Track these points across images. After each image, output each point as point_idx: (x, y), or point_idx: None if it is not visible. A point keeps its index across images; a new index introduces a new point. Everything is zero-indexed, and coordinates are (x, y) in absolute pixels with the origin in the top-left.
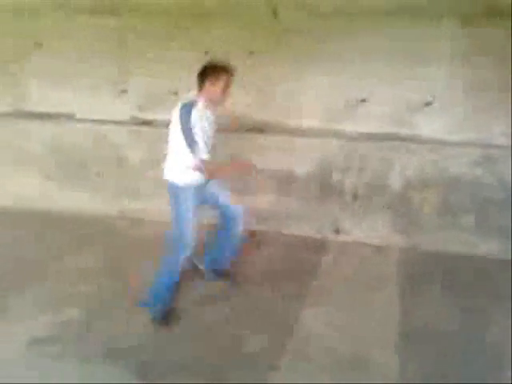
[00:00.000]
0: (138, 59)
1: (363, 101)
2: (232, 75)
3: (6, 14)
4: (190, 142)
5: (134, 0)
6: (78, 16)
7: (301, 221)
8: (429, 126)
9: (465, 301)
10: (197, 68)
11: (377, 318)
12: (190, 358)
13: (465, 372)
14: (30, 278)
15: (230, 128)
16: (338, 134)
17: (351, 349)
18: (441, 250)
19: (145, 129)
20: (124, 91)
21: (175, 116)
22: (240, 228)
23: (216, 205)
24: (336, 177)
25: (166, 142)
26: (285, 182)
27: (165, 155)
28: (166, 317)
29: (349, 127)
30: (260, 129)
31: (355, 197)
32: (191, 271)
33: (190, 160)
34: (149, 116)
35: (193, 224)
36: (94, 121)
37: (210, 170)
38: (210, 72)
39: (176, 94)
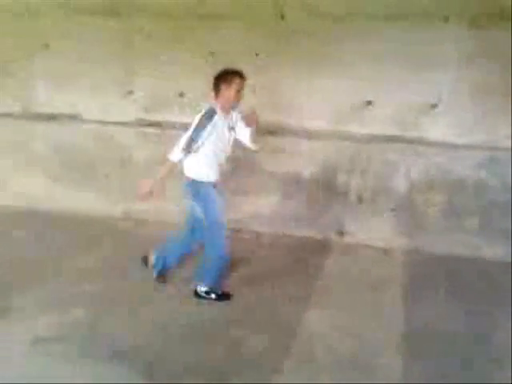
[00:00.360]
0: (144, 61)
1: (369, 103)
2: (244, 79)
3: (13, 15)
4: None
5: (141, 2)
6: (85, 18)
7: (305, 222)
8: (434, 129)
9: (468, 303)
10: (203, 70)
11: (380, 320)
12: (195, 359)
13: (468, 374)
14: (35, 278)
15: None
16: (343, 136)
17: (355, 350)
18: (445, 252)
19: (151, 130)
20: (130, 92)
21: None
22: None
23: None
24: (341, 179)
25: (172, 143)
26: (290, 183)
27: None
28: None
29: (354, 129)
30: (265, 131)
31: (360, 199)
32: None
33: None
34: (155, 117)
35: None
36: (99, 122)
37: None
38: (224, 77)
39: (182, 95)
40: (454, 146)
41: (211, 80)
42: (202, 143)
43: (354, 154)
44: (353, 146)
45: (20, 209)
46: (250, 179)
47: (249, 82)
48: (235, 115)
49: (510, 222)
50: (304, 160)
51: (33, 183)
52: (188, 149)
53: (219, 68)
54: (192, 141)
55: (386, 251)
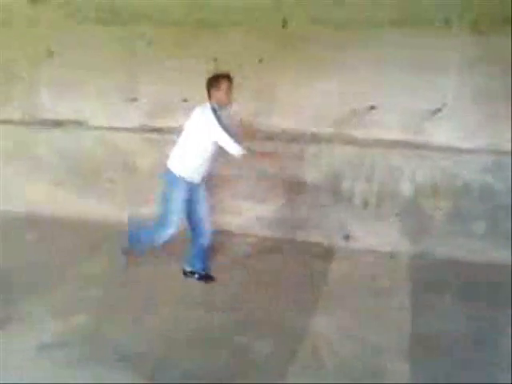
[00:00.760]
0: (147, 67)
1: (373, 108)
2: (231, 81)
3: (19, 23)
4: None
5: (144, 9)
6: (89, 25)
7: (311, 228)
8: (439, 133)
9: (474, 307)
10: (206, 76)
11: (386, 325)
12: (200, 364)
13: (473, 379)
14: (40, 284)
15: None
16: (347, 141)
17: (360, 355)
18: (451, 256)
19: (155, 136)
20: (134, 99)
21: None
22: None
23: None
24: (346, 183)
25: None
26: (295, 188)
27: None
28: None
29: (359, 134)
30: (269, 136)
31: (365, 204)
32: None
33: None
34: (159, 123)
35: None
36: (104, 128)
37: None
38: (213, 80)
39: (186, 101)
40: (459, 150)
41: None
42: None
43: (359, 159)
44: (357, 151)
45: (24, 214)
46: (254, 184)
47: (252, 87)
48: (225, 117)
49: None
50: (308, 165)
51: (37, 189)
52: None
53: None
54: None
55: (391, 256)
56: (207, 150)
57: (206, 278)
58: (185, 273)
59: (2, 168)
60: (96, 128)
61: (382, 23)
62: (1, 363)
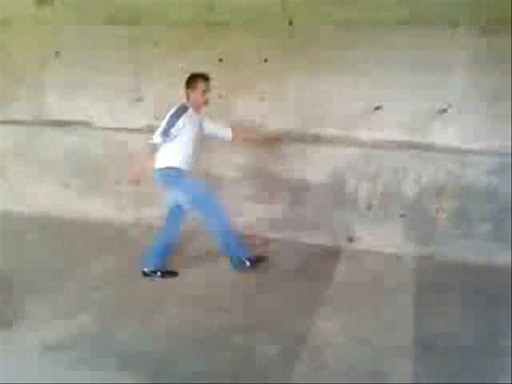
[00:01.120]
0: (153, 68)
1: (378, 109)
2: (208, 81)
3: (26, 24)
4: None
5: (150, 10)
6: (95, 26)
7: (315, 229)
8: (444, 135)
9: (480, 309)
10: (212, 76)
11: (391, 327)
12: (205, 366)
13: (475, 380)
14: (46, 285)
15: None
16: (352, 142)
17: (365, 357)
18: (456, 258)
19: None
20: (140, 100)
21: None
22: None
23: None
24: (351, 185)
25: None
26: (299, 190)
27: None
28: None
29: (364, 135)
30: (274, 137)
31: (370, 205)
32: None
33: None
34: None
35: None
36: (110, 129)
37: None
38: (190, 81)
39: None
40: (464, 152)
41: (219, 86)
42: (177, 133)
43: (363, 160)
44: (362, 152)
45: (31, 215)
46: (260, 185)
47: (257, 88)
48: (202, 116)
49: None
50: (313, 166)
51: (44, 189)
52: (166, 133)
53: (228, 74)
54: (170, 126)
55: (396, 257)
56: (189, 140)
57: (170, 274)
58: (145, 274)
59: (9, 168)
60: (102, 129)
61: (389, 23)
62: (4, 364)
